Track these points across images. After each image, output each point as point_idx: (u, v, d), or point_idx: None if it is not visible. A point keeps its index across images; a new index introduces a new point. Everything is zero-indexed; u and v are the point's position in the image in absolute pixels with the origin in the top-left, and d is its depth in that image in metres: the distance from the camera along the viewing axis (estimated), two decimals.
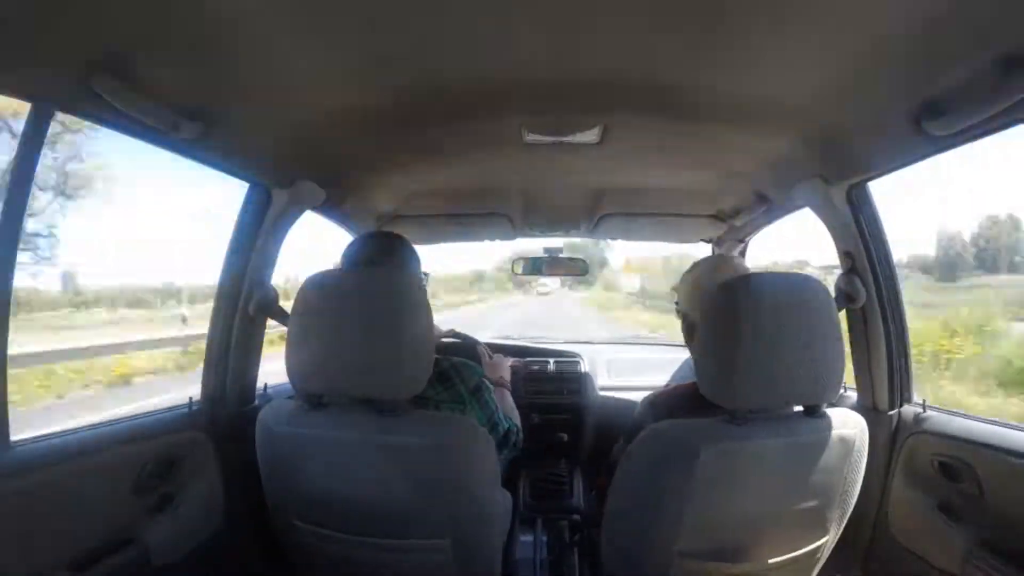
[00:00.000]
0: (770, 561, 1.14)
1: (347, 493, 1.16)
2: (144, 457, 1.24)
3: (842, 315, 1.39)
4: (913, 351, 1.51)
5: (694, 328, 1.33)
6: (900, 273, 1.50)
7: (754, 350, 1.04)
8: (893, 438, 1.44)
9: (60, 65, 0.88)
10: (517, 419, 1.54)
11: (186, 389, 1.61)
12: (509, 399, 1.68)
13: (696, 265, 1.40)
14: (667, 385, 1.36)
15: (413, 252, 1.37)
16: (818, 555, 1.20)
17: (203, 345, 1.57)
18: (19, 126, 0.99)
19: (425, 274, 1.43)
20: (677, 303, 1.44)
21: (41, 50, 0.85)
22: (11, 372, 0.99)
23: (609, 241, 2.99)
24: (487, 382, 1.40)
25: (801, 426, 1.11)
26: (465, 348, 2.13)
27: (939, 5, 0.84)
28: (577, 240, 2.82)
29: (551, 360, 2.66)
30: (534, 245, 2.82)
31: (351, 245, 1.36)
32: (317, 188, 1.57)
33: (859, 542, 1.45)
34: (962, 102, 0.99)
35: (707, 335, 1.10)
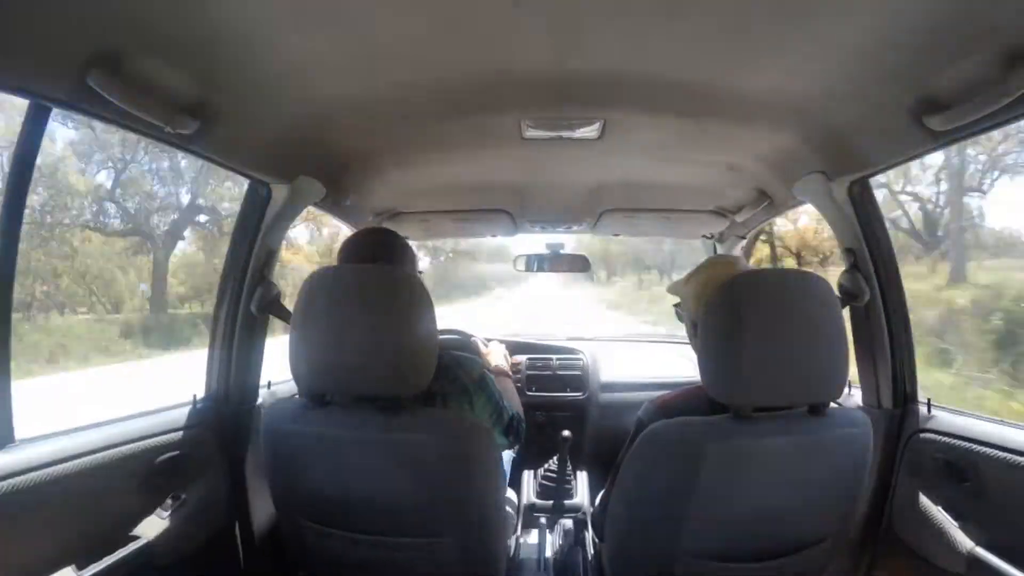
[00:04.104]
0: (774, 560, 1.13)
1: (351, 491, 1.16)
2: (149, 454, 1.24)
3: (845, 312, 1.39)
4: None
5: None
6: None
7: (757, 348, 1.03)
8: (898, 437, 1.43)
9: (57, 62, 0.88)
10: (519, 407, 1.54)
11: None
12: (510, 385, 1.69)
13: (702, 266, 1.39)
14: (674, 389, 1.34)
15: (409, 249, 1.37)
16: (822, 554, 1.20)
17: None
18: None
19: (420, 272, 1.42)
20: (677, 306, 1.42)
21: (37, 47, 0.84)
22: None
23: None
24: (489, 373, 1.40)
25: (806, 425, 1.10)
26: (460, 343, 2.14)
27: (940, 0, 0.83)
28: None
29: (554, 357, 2.66)
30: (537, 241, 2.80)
31: (348, 241, 1.35)
32: (317, 184, 1.57)
33: (863, 541, 1.45)
34: (963, 97, 0.99)
35: (710, 333, 1.10)
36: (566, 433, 1.97)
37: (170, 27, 0.91)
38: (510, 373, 1.85)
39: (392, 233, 1.40)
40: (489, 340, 2.04)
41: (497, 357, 1.88)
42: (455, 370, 1.31)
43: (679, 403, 1.25)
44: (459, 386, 1.29)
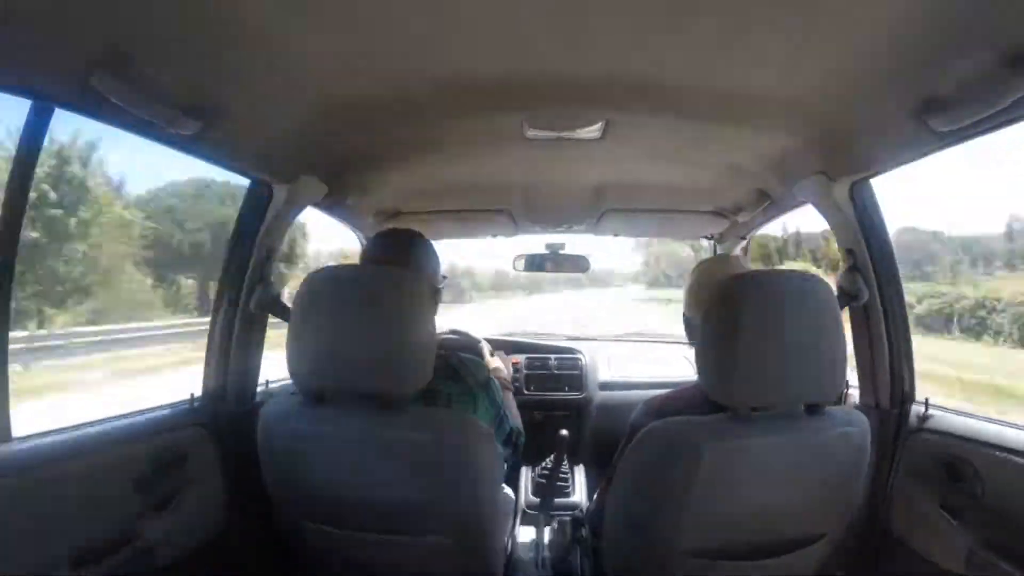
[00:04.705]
0: (772, 559, 1.14)
1: (349, 490, 1.16)
2: (146, 454, 1.24)
3: (845, 313, 1.39)
4: None
5: (696, 328, 1.31)
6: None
7: (755, 347, 1.03)
8: (895, 436, 1.44)
9: (59, 62, 0.88)
10: (519, 422, 1.55)
11: None
12: (511, 399, 1.69)
13: (698, 266, 1.39)
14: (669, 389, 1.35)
15: (431, 251, 1.37)
16: (820, 553, 1.20)
17: None
18: None
19: (444, 276, 1.42)
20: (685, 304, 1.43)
21: (40, 47, 0.85)
22: None
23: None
24: (495, 378, 1.40)
25: (804, 424, 1.10)
26: (467, 345, 2.13)
27: (942, 1, 0.83)
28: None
29: (552, 356, 2.66)
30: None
31: (370, 240, 1.38)
32: (318, 183, 1.57)
33: (861, 540, 1.45)
34: (966, 98, 0.99)
35: (708, 332, 1.10)
36: (564, 432, 1.98)
37: (173, 27, 0.91)
38: (511, 386, 1.85)
39: (414, 234, 1.39)
40: (493, 351, 2.04)
41: (501, 368, 1.88)
42: (462, 372, 1.31)
43: (672, 404, 1.26)
44: (464, 387, 1.30)
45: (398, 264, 1.28)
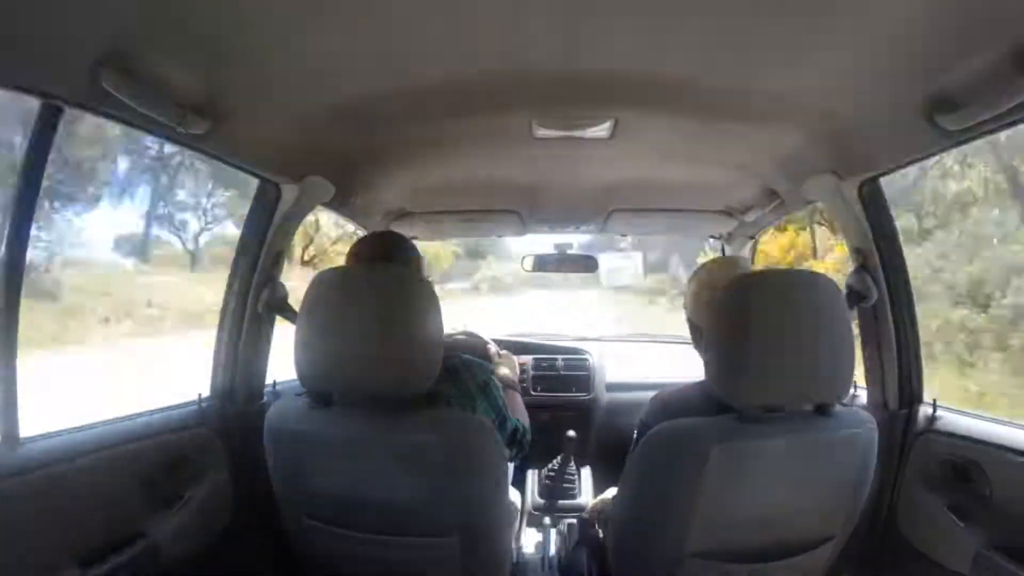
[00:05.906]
0: (779, 561, 1.13)
1: (355, 491, 1.17)
2: (153, 453, 1.25)
3: (853, 313, 1.38)
4: None
5: (700, 331, 1.30)
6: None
7: (763, 348, 1.03)
8: (903, 437, 1.43)
9: (68, 62, 0.88)
10: (526, 419, 1.54)
11: None
12: (518, 399, 1.68)
13: (702, 267, 1.38)
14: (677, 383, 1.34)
15: (417, 252, 1.38)
16: (827, 554, 1.19)
17: None
18: None
19: (428, 275, 1.43)
20: (687, 307, 1.42)
21: (49, 47, 0.85)
22: None
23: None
24: (496, 379, 1.40)
25: (811, 425, 1.10)
26: (474, 346, 2.13)
27: None
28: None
29: (560, 357, 2.65)
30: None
31: (356, 243, 1.37)
32: (327, 183, 1.57)
33: (868, 542, 1.44)
34: (976, 96, 0.98)
35: (716, 333, 1.10)
36: (571, 433, 1.98)
37: (183, 26, 0.91)
38: (518, 387, 1.85)
39: (399, 236, 1.42)
40: (500, 351, 2.03)
41: (509, 369, 1.87)
42: (462, 373, 1.31)
43: (683, 399, 1.25)
44: (464, 389, 1.29)
45: (393, 263, 1.28)
